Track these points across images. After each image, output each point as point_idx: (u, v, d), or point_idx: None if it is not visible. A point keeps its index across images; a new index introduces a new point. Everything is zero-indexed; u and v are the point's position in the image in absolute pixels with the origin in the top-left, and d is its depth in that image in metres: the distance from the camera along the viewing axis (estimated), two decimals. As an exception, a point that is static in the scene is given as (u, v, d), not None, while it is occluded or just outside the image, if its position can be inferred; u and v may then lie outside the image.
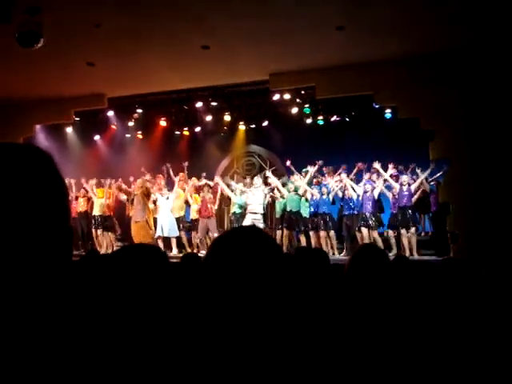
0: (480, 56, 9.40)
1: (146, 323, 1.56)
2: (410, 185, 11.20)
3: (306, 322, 1.39)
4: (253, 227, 1.50)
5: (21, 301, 0.91)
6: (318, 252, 3.26)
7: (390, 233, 11.42)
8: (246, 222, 12.01)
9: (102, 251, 12.23)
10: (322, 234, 11.81)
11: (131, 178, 13.74)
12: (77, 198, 13.51)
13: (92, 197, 13.39)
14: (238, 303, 1.28)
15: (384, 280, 2.33)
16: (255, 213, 12.13)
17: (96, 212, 13.17)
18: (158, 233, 12.30)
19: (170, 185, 13.59)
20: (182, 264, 2.83)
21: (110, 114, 14.50)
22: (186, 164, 13.73)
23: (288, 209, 12.21)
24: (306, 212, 12.14)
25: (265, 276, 1.30)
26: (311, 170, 12.29)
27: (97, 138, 16.65)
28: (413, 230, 10.92)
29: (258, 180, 12.75)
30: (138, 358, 1.36)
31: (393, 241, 11.27)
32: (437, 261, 7.92)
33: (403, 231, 10.99)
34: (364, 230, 11.25)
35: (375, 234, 11.25)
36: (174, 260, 6.07)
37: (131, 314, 1.56)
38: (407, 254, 10.52)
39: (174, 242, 12.39)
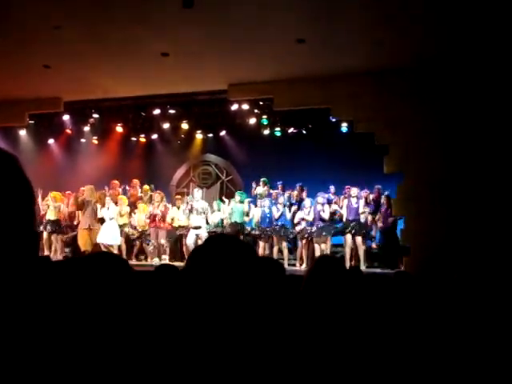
0: (435, 72, 9.62)
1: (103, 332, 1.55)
2: (358, 198, 11.36)
3: (269, 330, 1.41)
4: (227, 236, 1.53)
5: None
6: (273, 262, 3.27)
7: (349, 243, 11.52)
8: (190, 238, 11.98)
9: (51, 256, 12.05)
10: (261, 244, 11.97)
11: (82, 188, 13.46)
12: None
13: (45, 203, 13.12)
14: (217, 306, 1.30)
15: (341, 291, 2.36)
16: (197, 227, 12.10)
17: (50, 216, 12.90)
18: (101, 240, 12.07)
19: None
20: (157, 274, 2.82)
21: (66, 118, 14.29)
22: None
23: (233, 219, 12.25)
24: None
25: (240, 281, 1.33)
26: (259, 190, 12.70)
27: (51, 141, 16.37)
28: (359, 240, 11.06)
29: (197, 194, 12.72)
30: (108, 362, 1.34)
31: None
32: (389, 273, 8.05)
33: (349, 242, 11.17)
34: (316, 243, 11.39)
35: (324, 245, 11.36)
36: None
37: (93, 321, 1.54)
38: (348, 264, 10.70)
39: (115, 250, 12.19)
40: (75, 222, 12.92)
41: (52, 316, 1.03)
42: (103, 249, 11.79)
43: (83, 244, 11.97)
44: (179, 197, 13.56)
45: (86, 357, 1.32)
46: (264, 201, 12.23)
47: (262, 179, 13.42)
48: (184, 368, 1.29)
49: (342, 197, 12.16)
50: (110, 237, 12.04)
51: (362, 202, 11.37)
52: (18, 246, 0.95)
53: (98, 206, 12.29)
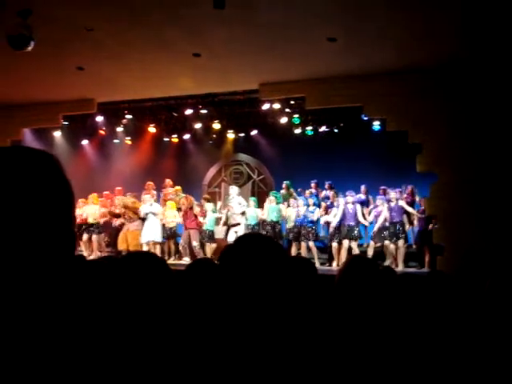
0: (468, 71, 9.48)
1: (146, 326, 1.56)
2: (398, 200, 11.24)
3: (300, 329, 1.40)
4: (257, 235, 1.54)
5: (20, 302, 0.91)
6: (304, 261, 3.26)
7: (371, 244, 11.45)
8: (230, 236, 12.03)
9: (93, 256, 12.25)
10: (303, 244, 11.88)
11: (117, 188, 13.73)
12: None
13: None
14: (248, 302, 1.30)
15: (374, 290, 2.34)
16: (234, 225, 12.14)
17: (90, 219, 13.07)
18: (144, 239, 12.21)
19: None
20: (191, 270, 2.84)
21: (99, 119, 14.47)
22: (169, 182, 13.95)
23: (269, 219, 12.23)
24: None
25: (271, 279, 1.33)
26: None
27: (85, 142, 16.61)
28: (400, 242, 10.98)
29: (233, 191, 12.74)
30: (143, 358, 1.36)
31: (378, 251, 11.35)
32: (423, 273, 7.98)
33: (391, 244, 11.06)
34: (345, 242, 11.32)
35: (355, 245, 11.34)
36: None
37: (133, 317, 1.56)
38: (392, 265, 10.60)
39: (157, 249, 12.29)
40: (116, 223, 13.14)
41: (88, 314, 1.04)
42: (145, 248, 11.96)
43: (119, 243, 12.23)
44: (207, 196, 13.64)
45: (122, 353, 1.34)
46: (298, 200, 12.25)
47: (284, 182, 13.46)
48: (215, 363, 1.29)
49: (380, 199, 12.04)
50: (151, 234, 12.17)
51: (402, 202, 11.26)
52: (56, 244, 0.96)
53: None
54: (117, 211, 12.58)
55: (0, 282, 0.91)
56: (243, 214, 12.37)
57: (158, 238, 12.31)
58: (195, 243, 12.32)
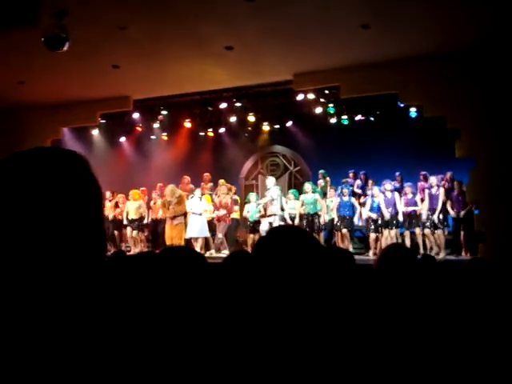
0: (507, 54, 9.28)
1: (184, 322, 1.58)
2: (438, 187, 11.13)
3: (338, 319, 1.41)
4: (290, 227, 1.56)
5: (53, 298, 0.93)
6: (342, 252, 3.25)
7: (406, 233, 11.38)
8: (263, 226, 12.03)
9: (134, 251, 12.47)
10: (339, 234, 11.95)
11: (159, 184, 13.89)
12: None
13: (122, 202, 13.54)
14: (282, 295, 1.31)
15: (413, 279, 2.32)
16: (270, 215, 12.14)
17: (132, 215, 13.29)
18: (190, 234, 12.36)
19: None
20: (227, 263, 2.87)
21: (136, 115, 14.62)
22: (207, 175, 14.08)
23: (307, 211, 12.21)
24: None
25: (305, 270, 1.33)
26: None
27: (122, 139, 16.81)
28: (439, 231, 10.88)
29: (270, 182, 12.73)
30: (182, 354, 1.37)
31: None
32: (463, 260, 7.88)
33: (429, 231, 10.99)
34: (385, 231, 11.27)
35: (393, 233, 11.29)
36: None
37: (170, 312, 1.58)
38: (432, 253, 10.53)
39: (199, 243, 12.37)
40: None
41: (118, 310, 1.06)
42: (194, 243, 12.11)
43: (167, 238, 12.34)
44: (233, 187, 13.68)
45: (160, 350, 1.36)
46: (343, 188, 12.22)
47: (320, 172, 13.40)
48: (253, 354, 1.30)
49: (420, 185, 11.89)
50: (200, 230, 12.29)
51: (442, 190, 11.14)
52: (86, 243, 0.98)
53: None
54: (169, 199, 12.55)
55: (31, 279, 0.93)
56: (272, 202, 12.34)
57: (207, 233, 12.45)
58: (220, 235, 12.42)
